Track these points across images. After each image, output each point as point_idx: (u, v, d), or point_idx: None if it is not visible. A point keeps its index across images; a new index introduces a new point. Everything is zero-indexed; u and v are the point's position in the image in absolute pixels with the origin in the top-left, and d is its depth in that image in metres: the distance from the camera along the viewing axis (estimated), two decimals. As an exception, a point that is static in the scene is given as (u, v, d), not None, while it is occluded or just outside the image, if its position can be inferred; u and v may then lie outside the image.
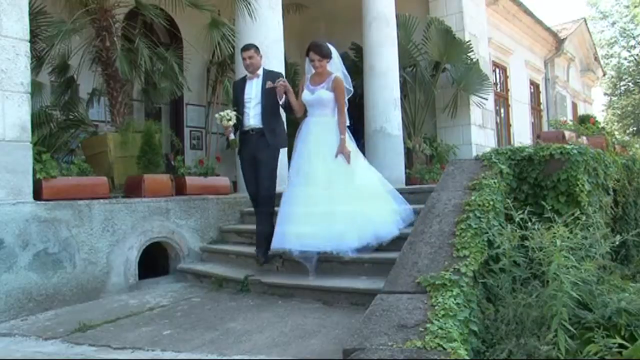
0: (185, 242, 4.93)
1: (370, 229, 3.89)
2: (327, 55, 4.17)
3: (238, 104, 4.35)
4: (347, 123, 4.17)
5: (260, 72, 4.35)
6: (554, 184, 3.71)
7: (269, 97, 4.25)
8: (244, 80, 4.44)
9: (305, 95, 4.15)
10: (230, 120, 4.18)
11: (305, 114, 4.29)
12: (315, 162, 4.01)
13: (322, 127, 4.11)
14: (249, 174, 4.37)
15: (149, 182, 4.82)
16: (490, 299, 2.91)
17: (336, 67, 4.25)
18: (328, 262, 3.96)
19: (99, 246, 4.29)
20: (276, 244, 3.90)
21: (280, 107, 4.30)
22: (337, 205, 3.85)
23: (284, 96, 4.19)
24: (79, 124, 5.81)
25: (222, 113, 4.22)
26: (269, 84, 4.24)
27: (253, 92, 4.31)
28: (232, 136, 4.31)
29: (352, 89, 4.32)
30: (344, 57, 5.47)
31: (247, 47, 4.38)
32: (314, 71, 4.19)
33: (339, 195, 3.89)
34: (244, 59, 4.34)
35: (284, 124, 4.62)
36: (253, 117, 4.25)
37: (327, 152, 4.04)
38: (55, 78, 5.84)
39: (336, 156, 4.01)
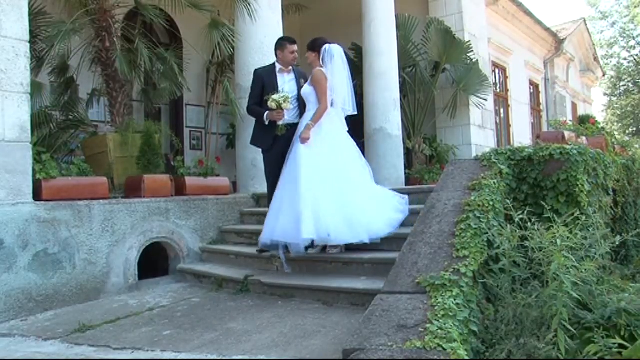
0: (185, 242, 4.93)
1: (364, 224, 3.88)
2: (310, 47, 4.21)
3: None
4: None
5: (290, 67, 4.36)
6: (554, 184, 3.71)
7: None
8: (273, 72, 4.33)
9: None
10: (290, 103, 4.05)
11: None
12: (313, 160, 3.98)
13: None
14: (276, 170, 4.23)
15: (149, 183, 4.82)
16: (490, 299, 2.92)
17: (336, 69, 4.17)
18: (329, 262, 3.98)
19: (99, 247, 4.29)
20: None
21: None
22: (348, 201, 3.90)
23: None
24: (78, 124, 5.81)
25: (282, 95, 4.07)
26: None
27: (287, 86, 4.25)
28: (283, 121, 4.15)
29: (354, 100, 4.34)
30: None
31: (294, 41, 4.37)
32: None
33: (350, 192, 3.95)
34: (291, 52, 4.29)
35: None
36: (287, 112, 4.16)
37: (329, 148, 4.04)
38: (55, 78, 5.84)
39: (302, 141, 3.97)
